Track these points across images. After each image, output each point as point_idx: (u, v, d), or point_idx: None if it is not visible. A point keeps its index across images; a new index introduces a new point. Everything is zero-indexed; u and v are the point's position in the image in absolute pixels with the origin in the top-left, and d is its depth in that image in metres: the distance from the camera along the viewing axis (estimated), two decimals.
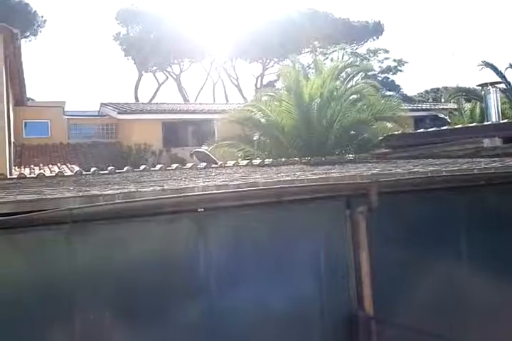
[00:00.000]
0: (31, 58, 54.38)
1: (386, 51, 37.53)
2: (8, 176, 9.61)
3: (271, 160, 8.72)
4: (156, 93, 39.60)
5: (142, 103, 30.21)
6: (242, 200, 3.76)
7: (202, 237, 3.72)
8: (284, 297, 3.85)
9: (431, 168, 5.13)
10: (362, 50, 38.50)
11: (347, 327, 3.99)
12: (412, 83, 73.46)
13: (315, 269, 4.02)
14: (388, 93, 29.93)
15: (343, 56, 24.08)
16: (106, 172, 6.76)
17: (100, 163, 16.88)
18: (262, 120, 12.70)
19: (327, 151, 11.01)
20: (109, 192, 3.78)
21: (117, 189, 4.05)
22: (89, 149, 21.71)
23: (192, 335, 3.64)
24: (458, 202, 4.57)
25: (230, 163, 8.14)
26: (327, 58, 27.47)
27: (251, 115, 12.89)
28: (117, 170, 6.84)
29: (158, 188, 3.90)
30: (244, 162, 8.48)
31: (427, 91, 38.37)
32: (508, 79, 19.63)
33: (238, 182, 4.20)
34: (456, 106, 20.04)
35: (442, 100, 29.57)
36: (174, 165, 7.52)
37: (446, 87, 28.84)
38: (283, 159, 8.66)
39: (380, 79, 34.29)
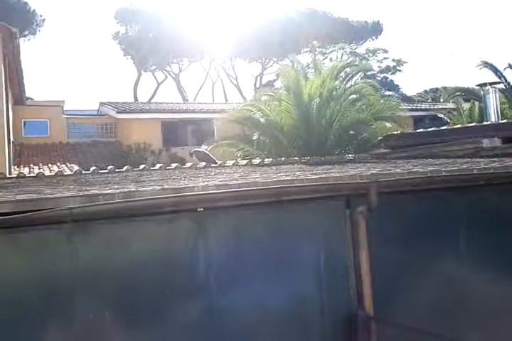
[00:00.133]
0: (30, 57, 54.38)
1: (385, 51, 37.55)
2: (8, 175, 9.60)
3: (270, 159, 8.72)
4: (155, 92, 39.65)
5: (141, 102, 30.21)
6: (241, 200, 3.76)
7: (201, 237, 3.73)
8: (283, 296, 3.86)
9: (430, 168, 5.14)
10: (361, 49, 38.55)
11: (346, 327, 4.00)
12: (411, 83, 73.64)
13: (315, 269, 4.02)
14: (387, 93, 30.02)
15: (342, 56, 24.16)
16: (105, 171, 6.75)
17: (100, 162, 16.89)
18: (262, 119, 12.71)
19: (326, 151, 11.02)
20: (109, 191, 3.78)
21: (117, 188, 4.05)
22: (89, 148, 21.71)
23: (191, 335, 3.64)
24: (457, 202, 4.57)
25: (230, 162, 8.14)
26: (326, 58, 27.55)
27: (250, 115, 12.90)
28: (117, 170, 6.84)
29: (158, 188, 3.91)
30: (244, 161, 8.48)
31: (426, 91, 38.39)
32: (508, 79, 19.67)
33: (238, 182, 4.20)
34: (454, 106, 20.05)
35: (441, 100, 29.58)
36: (174, 165, 7.52)
37: (446, 87, 28.84)
38: (282, 159, 8.67)
39: (379, 79, 34.33)
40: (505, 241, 4.70)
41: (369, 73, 20.33)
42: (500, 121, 11.28)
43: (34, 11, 35.14)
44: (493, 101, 12.29)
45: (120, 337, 3.48)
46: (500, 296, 4.60)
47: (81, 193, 3.69)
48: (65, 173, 7.56)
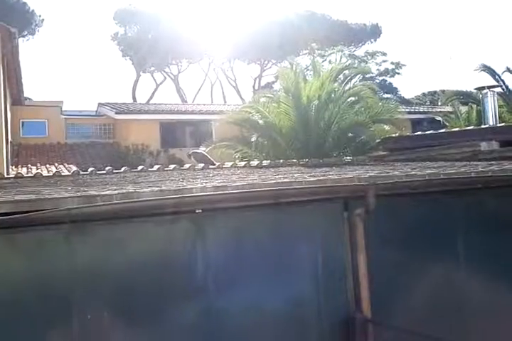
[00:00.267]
0: (29, 57, 54.40)
1: (384, 54, 37.57)
2: (6, 175, 9.58)
3: (269, 161, 8.73)
4: (153, 93, 39.65)
5: (140, 103, 30.25)
6: (239, 202, 3.76)
7: (200, 238, 3.73)
8: (281, 299, 3.86)
9: (428, 171, 5.15)
10: (360, 52, 38.58)
11: (344, 330, 3.99)
12: (409, 86, 73.72)
13: (312, 271, 4.02)
14: (386, 95, 30.05)
15: (341, 58, 24.12)
16: (103, 172, 6.75)
17: (98, 163, 16.90)
18: (260, 121, 12.72)
19: (325, 153, 11.03)
20: (107, 192, 3.78)
21: (115, 189, 4.05)
22: (87, 149, 21.71)
23: (189, 336, 3.64)
24: (455, 205, 4.58)
25: (228, 164, 8.14)
26: (325, 60, 27.54)
27: (249, 116, 12.91)
28: (115, 171, 6.84)
29: (156, 189, 3.91)
30: (242, 163, 8.48)
31: (424, 94, 38.45)
32: (506, 83, 19.74)
33: (236, 184, 4.20)
34: (452, 110, 20.10)
35: (439, 103, 29.65)
36: (172, 166, 7.52)
37: (444, 90, 28.90)
38: (281, 161, 8.68)
39: (377, 81, 34.32)
40: (504, 244, 4.71)
41: (368, 76, 20.36)
42: (498, 125, 11.31)
43: (33, 11, 35.15)
44: (491, 105, 12.32)
45: (118, 337, 3.48)
46: (498, 299, 4.61)
47: (79, 194, 3.69)
48: (63, 174, 7.55)
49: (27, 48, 47.96)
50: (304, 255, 4.04)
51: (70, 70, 65.18)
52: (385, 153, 9.72)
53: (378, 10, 68.03)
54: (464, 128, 12.35)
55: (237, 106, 16.39)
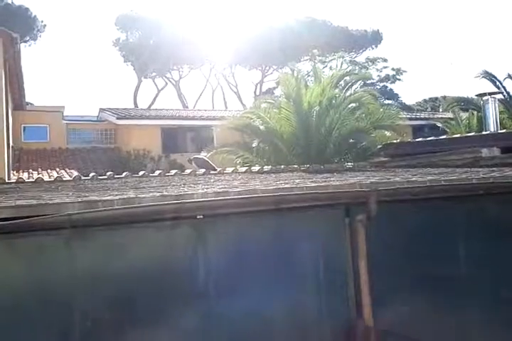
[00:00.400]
0: (31, 63, 54.54)
1: (385, 60, 37.71)
2: (7, 180, 9.58)
3: (270, 167, 8.73)
4: (155, 99, 39.76)
5: (141, 109, 30.29)
6: (241, 207, 3.75)
7: (201, 244, 3.72)
8: (282, 305, 3.84)
9: (429, 177, 5.14)
10: (361, 58, 38.73)
11: (345, 337, 3.98)
12: (410, 92, 73.89)
13: (313, 277, 4.01)
14: (387, 102, 30.13)
15: (341, 64, 24.21)
16: (105, 177, 6.75)
17: (99, 168, 16.91)
18: (261, 127, 12.73)
19: (326, 159, 11.03)
20: (109, 197, 3.78)
21: (116, 195, 4.05)
22: (88, 154, 21.72)
23: None
24: (456, 211, 4.56)
25: (229, 169, 8.15)
26: (326, 66, 27.65)
27: (250, 122, 12.92)
28: (116, 176, 6.84)
29: (158, 194, 3.91)
30: (243, 169, 8.48)
31: (425, 100, 38.53)
32: (507, 90, 19.75)
33: (237, 189, 4.20)
34: (452, 116, 20.10)
35: (440, 109, 29.68)
36: (173, 171, 7.52)
37: (445, 96, 28.95)
38: (282, 166, 8.68)
39: (378, 87, 34.44)
40: (505, 251, 4.69)
41: (368, 82, 20.43)
42: (500, 131, 11.31)
43: (35, 16, 35.32)
44: (492, 111, 12.32)
45: None
46: (501, 306, 4.58)
47: (80, 199, 3.69)
48: (64, 179, 7.55)
49: (29, 53, 48.17)
50: (305, 261, 4.03)
51: (71, 75, 65.43)
52: (386, 159, 9.72)
53: (379, 16, 68.32)
54: (465, 135, 12.35)
55: (238, 112, 16.42)
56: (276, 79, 30.73)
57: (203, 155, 12.13)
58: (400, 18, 66.32)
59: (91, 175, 7.09)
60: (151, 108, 32.66)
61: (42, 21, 36.00)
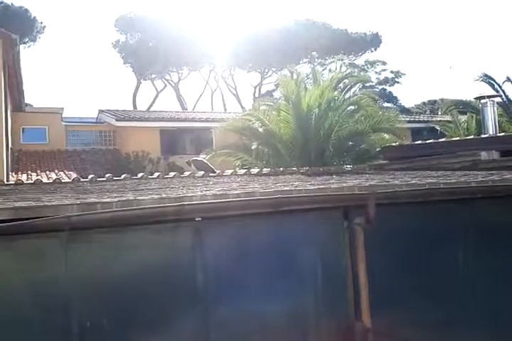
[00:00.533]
0: (30, 64, 54.52)
1: (384, 63, 37.68)
2: (6, 182, 9.57)
3: (269, 169, 8.72)
4: (154, 101, 39.74)
5: (140, 110, 30.31)
6: (239, 210, 3.75)
7: (199, 246, 3.72)
8: (281, 307, 3.84)
9: (428, 180, 5.15)
10: (360, 61, 38.68)
11: (344, 339, 3.98)
12: (409, 95, 73.96)
13: (312, 280, 4.01)
14: (386, 104, 30.15)
15: (341, 67, 24.29)
16: (103, 179, 6.74)
17: (98, 170, 16.89)
18: (260, 129, 12.74)
19: (325, 161, 11.05)
20: (107, 200, 3.77)
21: (115, 197, 4.05)
22: (87, 156, 21.69)
23: None
24: (455, 214, 4.57)
25: (228, 171, 8.14)
26: (325, 69, 27.67)
27: (249, 124, 12.94)
28: (115, 178, 6.83)
29: (157, 197, 3.90)
30: (242, 171, 8.48)
31: (424, 103, 38.52)
32: (506, 93, 19.78)
33: (236, 192, 4.20)
34: (451, 119, 20.10)
35: (439, 112, 29.68)
36: (172, 174, 7.51)
37: (444, 99, 28.95)
38: (281, 169, 8.67)
39: (377, 90, 34.38)
40: (504, 254, 4.70)
41: (367, 85, 20.41)
42: (498, 134, 11.32)
43: (35, 17, 35.32)
44: (491, 114, 12.33)
45: None
46: (500, 308, 4.59)
47: (79, 201, 3.68)
48: (63, 181, 7.53)
49: (28, 55, 48.13)
50: (304, 263, 4.03)
51: (70, 77, 65.27)
52: (385, 161, 9.72)
53: (378, 19, 68.37)
54: (464, 138, 12.35)
55: (237, 114, 16.44)
56: (275, 81, 30.84)
57: (202, 157, 12.11)
58: (399, 21, 66.46)
59: (90, 177, 7.06)
60: (151, 110, 32.69)
61: (41, 22, 36.03)
